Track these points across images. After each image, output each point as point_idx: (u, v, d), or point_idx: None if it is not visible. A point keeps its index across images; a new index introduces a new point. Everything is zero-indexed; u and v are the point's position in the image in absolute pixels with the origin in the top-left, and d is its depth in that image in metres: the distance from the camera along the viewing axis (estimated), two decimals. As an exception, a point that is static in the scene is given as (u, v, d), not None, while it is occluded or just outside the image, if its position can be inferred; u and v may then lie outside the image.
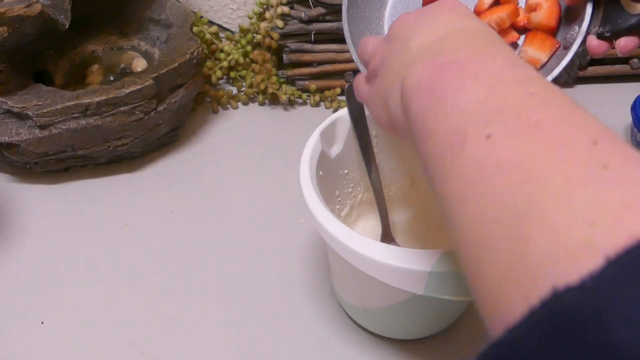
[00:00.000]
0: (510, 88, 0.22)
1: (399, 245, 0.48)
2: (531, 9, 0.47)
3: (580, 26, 0.42)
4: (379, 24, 0.50)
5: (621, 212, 0.16)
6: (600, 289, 0.15)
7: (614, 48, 0.42)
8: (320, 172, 0.44)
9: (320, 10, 0.68)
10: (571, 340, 0.15)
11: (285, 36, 0.71)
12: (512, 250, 0.18)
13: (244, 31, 0.72)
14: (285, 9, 0.69)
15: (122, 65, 0.70)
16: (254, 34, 0.72)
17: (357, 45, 0.41)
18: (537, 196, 0.18)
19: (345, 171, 0.49)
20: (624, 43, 0.41)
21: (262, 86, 0.70)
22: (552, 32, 0.47)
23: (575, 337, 0.15)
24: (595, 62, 0.73)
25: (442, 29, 0.29)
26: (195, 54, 0.63)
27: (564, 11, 0.46)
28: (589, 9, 0.42)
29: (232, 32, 0.78)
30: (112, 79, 0.68)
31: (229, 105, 0.72)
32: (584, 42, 0.43)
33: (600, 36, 0.42)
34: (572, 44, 0.43)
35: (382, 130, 0.49)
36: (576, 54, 0.43)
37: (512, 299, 0.18)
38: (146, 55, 0.71)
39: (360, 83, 0.38)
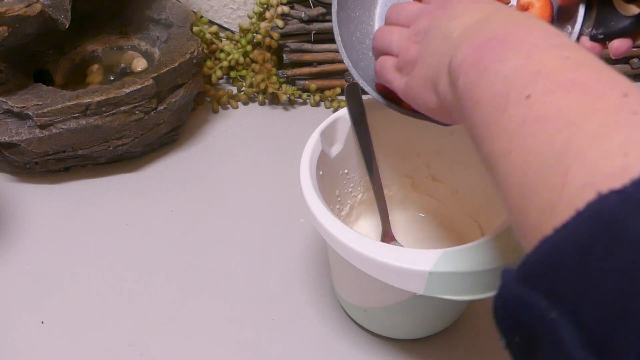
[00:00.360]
0: (547, 54, 0.24)
1: (399, 245, 0.48)
2: (523, 8, 0.47)
3: (573, 27, 0.42)
4: (370, 24, 0.50)
5: None
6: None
7: (606, 49, 0.42)
8: (321, 172, 0.44)
9: (320, 10, 0.68)
10: (614, 233, 0.17)
11: (285, 36, 0.71)
12: (553, 183, 0.20)
13: (244, 31, 0.72)
14: (286, 8, 0.69)
15: (122, 65, 0.70)
16: (254, 34, 0.72)
17: (374, 37, 0.41)
18: (574, 138, 0.20)
19: (346, 171, 0.49)
20: (617, 45, 0.41)
21: (262, 86, 0.70)
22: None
23: (618, 230, 0.17)
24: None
25: (475, 15, 0.31)
26: (195, 53, 0.63)
27: (557, 11, 0.46)
28: (581, 10, 0.42)
29: (232, 32, 0.78)
30: (112, 78, 0.68)
31: (229, 105, 0.72)
32: (577, 43, 0.43)
33: (593, 38, 0.41)
34: None
35: (382, 128, 0.49)
36: None
37: (555, 217, 0.19)
38: (146, 55, 0.71)
39: (390, 73, 0.39)
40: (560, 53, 0.24)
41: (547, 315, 0.18)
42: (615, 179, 0.18)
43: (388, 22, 0.40)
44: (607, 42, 0.41)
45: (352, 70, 0.45)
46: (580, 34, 0.42)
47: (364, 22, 0.50)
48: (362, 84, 0.44)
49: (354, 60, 0.46)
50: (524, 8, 0.47)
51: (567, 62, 0.23)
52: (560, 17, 0.46)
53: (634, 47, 0.76)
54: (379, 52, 0.40)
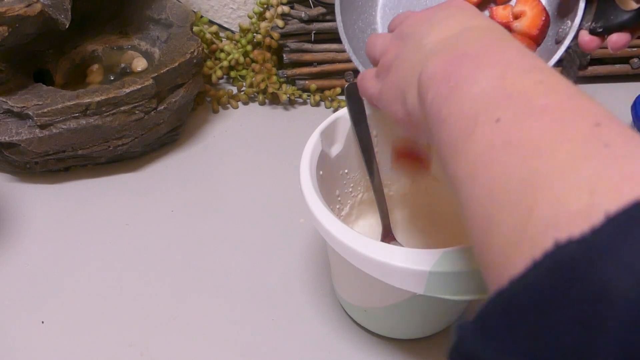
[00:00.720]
0: (520, 77, 0.23)
1: (399, 245, 0.48)
2: (515, 16, 0.47)
3: (573, 21, 0.42)
4: (372, 14, 0.50)
5: (620, 182, 0.17)
6: (600, 239, 0.16)
7: (605, 41, 0.42)
8: (321, 172, 0.44)
9: (320, 9, 0.68)
10: (571, 285, 0.16)
11: (285, 36, 0.71)
12: (517, 217, 0.19)
13: (244, 31, 0.72)
14: (286, 8, 0.69)
15: (122, 65, 0.70)
16: (254, 34, 0.72)
17: (366, 41, 0.41)
18: (541, 170, 0.19)
19: (346, 171, 0.49)
20: (616, 39, 0.41)
21: (262, 86, 0.70)
22: (535, 39, 0.47)
23: (575, 282, 0.16)
24: (596, 61, 0.73)
25: (454, 26, 0.30)
26: (195, 53, 0.63)
27: (557, 5, 0.46)
28: (582, 3, 0.42)
29: (233, 32, 0.78)
30: (112, 78, 0.68)
31: (229, 105, 0.72)
32: (576, 37, 0.43)
33: (592, 32, 0.42)
34: (564, 38, 0.43)
35: (382, 128, 0.49)
36: (569, 48, 0.43)
37: (516, 259, 0.19)
38: (146, 54, 0.71)
39: (368, 80, 0.38)
40: (534, 76, 0.23)
41: None
42: (577, 221, 0.17)
43: (388, 28, 0.40)
44: (606, 36, 0.41)
45: (353, 57, 0.45)
46: (580, 27, 0.42)
47: (366, 12, 0.50)
48: (362, 69, 0.44)
49: (354, 48, 0.46)
50: (516, 16, 0.47)
51: (540, 86, 0.23)
52: (560, 11, 0.46)
53: (634, 46, 0.76)
54: (369, 59, 0.40)
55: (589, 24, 0.42)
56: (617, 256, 0.16)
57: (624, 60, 0.73)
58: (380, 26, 0.50)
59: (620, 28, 0.40)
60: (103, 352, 0.46)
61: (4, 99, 0.56)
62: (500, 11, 0.48)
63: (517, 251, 0.19)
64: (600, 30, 0.41)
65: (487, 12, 0.50)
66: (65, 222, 0.58)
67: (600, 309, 0.15)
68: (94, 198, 0.60)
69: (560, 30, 0.45)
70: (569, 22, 0.43)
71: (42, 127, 0.56)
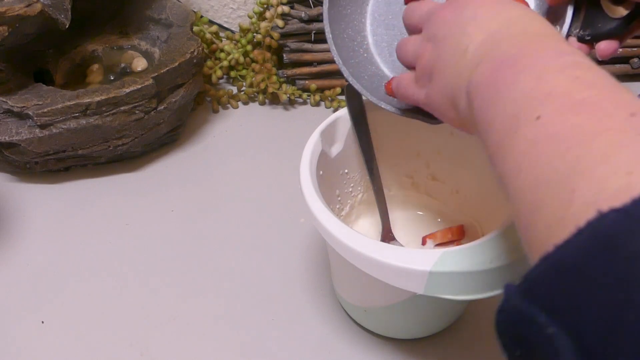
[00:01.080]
0: (557, 75, 0.25)
1: (399, 245, 0.48)
2: None
3: (561, 28, 0.42)
4: (361, 22, 0.50)
5: None
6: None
7: (593, 49, 0.42)
8: (321, 172, 0.44)
9: (320, 9, 0.68)
10: (613, 248, 0.18)
11: (285, 36, 0.71)
12: (560, 199, 0.21)
13: (244, 31, 0.72)
14: (286, 8, 0.69)
15: (123, 65, 0.70)
16: (254, 34, 0.72)
17: (397, 47, 0.40)
18: (582, 157, 0.21)
19: (346, 171, 0.49)
20: (604, 47, 0.41)
21: (262, 86, 0.70)
22: None
23: (617, 245, 0.18)
24: (595, 62, 0.73)
25: (489, 23, 0.31)
26: (195, 53, 0.63)
27: (546, 12, 0.46)
28: (569, 11, 0.42)
29: (233, 32, 0.78)
30: (112, 78, 0.68)
31: (229, 105, 0.72)
32: None
33: (580, 39, 0.41)
34: None
35: (382, 128, 0.49)
36: None
37: (560, 231, 0.20)
38: (146, 54, 0.71)
39: (409, 86, 0.38)
40: (571, 73, 0.24)
41: (546, 330, 0.19)
42: (617, 197, 0.18)
43: (404, 23, 0.40)
44: (594, 44, 0.41)
45: (342, 68, 0.45)
46: (568, 34, 0.42)
47: (355, 20, 0.50)
48: (352, 81, 0.44)
49: (344, 58, 0.46)
50: None
51: (577, 82, 0.24)
52: (549, 18, 0.46)
53: (634, 46, 0.76)
54: (403, 65, 0.40)
55: (577, 31, 0.42)
56: None
57: (624, 60, 0.73)
58: (370, 34, 0.50)
59: (608, 35, 0.40)
60: (103, 352, 0.46)
61: (4, 99, 0.56)
62: None
63: (561, 226, 0.20)
64: (589, 37, 0.41)
65: None
66: (65, 222, 0.58)
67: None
68: (94, 198, 0.60)
69: None
70: (558, 28, 0.43)
71: (42, 127, 0.56)
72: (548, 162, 0.22)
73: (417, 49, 0.36)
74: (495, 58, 0.28)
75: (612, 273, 0.17)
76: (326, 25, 0.47)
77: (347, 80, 0.45)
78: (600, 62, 0.76)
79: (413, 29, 0.38)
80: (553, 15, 0.45)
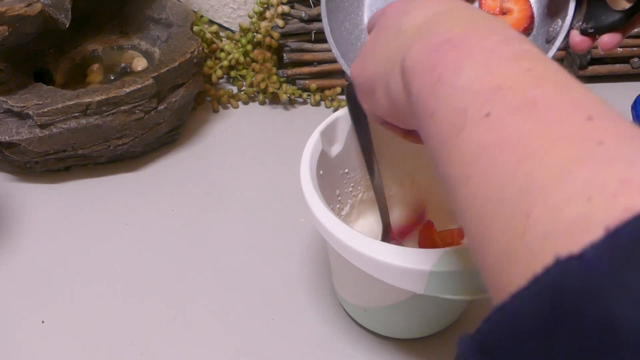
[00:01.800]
0: (507, 65, 0.23)
1: (400, 245, 0.48)
2: (502, 11, 0.47)
3: (563, 21, 0.42)
4: (359, 14, 0.50)
5: (617, 187, 0.17)
6: (601, 260, 0.16)
7: (596, 42, 0.41)
8: (321, 172, 0.44)
9: (320, 9, 0.68)
10: (573, 314, 0.16)
11: (285, 35, 0.71)
12: (513, 226, 0.19)
13: (244, 30, 0.72)
14: (286, 8, 0.69)
15: (123, 65, 0.70)
16: (255, 33, 0.72)
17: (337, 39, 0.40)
18: (535, 174, 0.19)
19: (346, 170, 0.49)
20: (607, 40, 0.40)
21: (262, 85, 0.70)
22: None
23: (578, 310, 0.15)
24: (596, 61, 0.73)
25: (432, 9, 0.29)
26: (195, 53, 0.63)
27: (548, 4, 0.46)
28: (572, 3, 0.41)
29: (233, 32, 0.77)
30: (112, 78, 0.68)
31: (229, 105, 0.72)
32: (567, 37, 0.42)
33: (583, 32, 0.41)
34: (555, 38, 0.43)
35: (383, 127, 0.49)
36: (559, 49, 0.42)
37: (515, 270, 0.18)
38: (146, 54, 0.71)
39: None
40: (522, 64, 0.23)
41: None
42: (575, 232, 0.17)
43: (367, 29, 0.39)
44: (596, 37, 0.41)
45: (340, 60, 0.45)
46: (571, 27, 0.42)
47: (353, 12, 0.50)
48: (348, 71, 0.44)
49: (342, 52, 0.46)
50: (502, 12, 0.47)
51: (528, 75, 0.22)
52: (550, 10, 0.46)
53: (634, 46, 0.76)
54: None
55: (580, 24, 0.41)
56: (621, 283, 0.15)
57: (624, 59, 0.73)
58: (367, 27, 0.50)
59: (610, 28, 0.40)
60: (103, 351, 0.46)
61: (4, 99, 0.56)
62: (490, 2, 0.48)
63: (516, 260, 0.18)
64: (592, 30, 0.41)
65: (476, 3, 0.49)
66: (65, 222, 0.58)
67: (606, 340, 0.15)
68: (94, 198, 0.60)
69: (550, 29, 0.44)
70: (560, 21, 0.43)
71: (42, 126, 0.56)
72: (499, 173, 0.20)
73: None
74: (437, 35, 0.26)
75: (576, 341, 0.15)
76: (324, 18, 0.47)
77: (345, 73, 0.45)
78: (602, 61, 0.76)
79: (370, 30, 0.38)
80: (554, 8, 0.45)
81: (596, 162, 0.18)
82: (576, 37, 0.42)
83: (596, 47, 0.42)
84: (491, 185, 0.20)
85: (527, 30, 0.46)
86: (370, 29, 0.38)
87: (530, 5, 0.46)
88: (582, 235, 0.16)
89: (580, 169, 0.18)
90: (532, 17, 0.46)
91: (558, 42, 0.42)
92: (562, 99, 0.21)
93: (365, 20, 0.50)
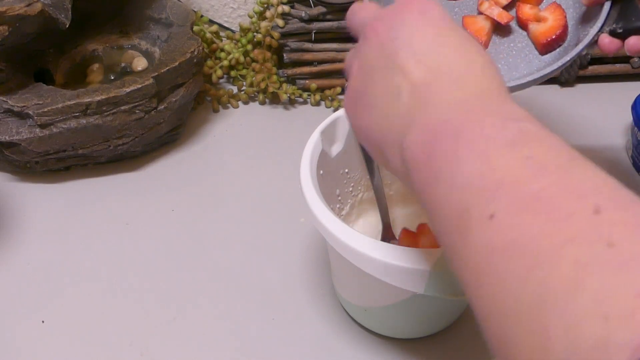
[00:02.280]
0: (506, 154, 0.22)
1: (400, 244, 0.48)
2: (537, 19, 0.47)
3: (593, 25, 0.42)
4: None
5: (632, 302, 0.16)
6: None
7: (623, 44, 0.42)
8: (321, 171, 0.44)
9: (320, 9, 0.68)
10: None
11: (285, 35, 0.71)
12: (535, 342, 0.18)
13: (244, 30, 0.72)
14: (286, 8, 0.69)
15: (123, 65, 0.70)
16: (255, 33, 0.71)
17: (347, 14, 0.38)
18: (547, 284, 0.18)
19: (346, 170, 0.49)
20: (634, 42, 0.40)
21: (262, 85, 0.70)
22: (541, 46, 0.46)
23: None
24: (596, 61, 0.73)
25: (425, 57, 0.28)
26: (195, 53, 0.63)
27: (582, 14, 0.46)
28: (606, 7, 0.42)
29: (233, 31, 0.77)
30: (112, 78, 0.68)
31: (229, 105, 0.72)
32: (595, 40, 0.43)
33: (612, 33, 0.41)
34: (584, 37, 0.43)
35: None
36: (582, 51, 0.43)
37: None
38: (147, 54, 0.71)
39: (350, 56, 0.34)
40: (521, 151, 0.22)
41: None
42: (595, 356, 0.16)
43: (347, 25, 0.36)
44: (624, 39, 0.41)
45: None
46: (601, 31, 0.42)
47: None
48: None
49: None
50: (537, 19, 0.47)
51: (529, 166, 0.21)
52: (584, 18, 0.46)
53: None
54: (350, 30, 0.36)
55: (611, 25, 0.42)
56: None
57: (625, 59, 0.73)
58: None
59: (639, 31, 0.40)
60: (103, 351, 0.46)
61: (5, 99, 0.56)
62: (527, 9, 0.48)
63: None
64: (620, 30, 0.41)
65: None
66: (65, 222, 0.58)
67: None
68: (94, 197, 0.60)
69: (581, 35, 0.44)
70: (590, 28, 0.43)
71: (43, 126, 0.56)
72: (512, 284, 0.19)
73: (352, 53, 0.33)
74: (431, 123, 0.25)
75: None
76: None
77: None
78: (602, 61, 0.76)
79: (353, 34, 0.35)
80: (587, 17, 0.45)
81: (607, 269, 0.17)
82: (605, 38, 0.42)
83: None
84: (505, 298, 0.20)
85: (559, 39, 0.46)
86: (353, 29, 0.35)
87: (565, 16, 0.46)
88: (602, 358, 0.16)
89: (592, 278, 0.17)
90: (565, 26, 0.46)
91: (585, 41, 0.42)
92: (566, 190, 0.20)
93: None
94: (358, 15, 0.34)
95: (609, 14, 0.42)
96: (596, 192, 0.20)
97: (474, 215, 0.21)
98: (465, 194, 0.22)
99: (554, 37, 0.45)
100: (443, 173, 0.23)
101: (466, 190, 0.22)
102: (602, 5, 0.42)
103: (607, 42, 0.42)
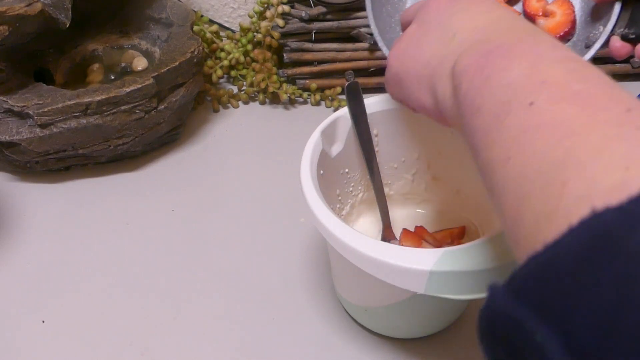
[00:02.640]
0: (553, 65, 0.24)
1: (400, 244, 0.48)
2: (545, 13, 0.47)
3: (605, 26, 0.42)
4: (402, 0, 0.51)
5: None
6: (638, 207, 0.17)
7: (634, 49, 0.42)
8: (321, 171, 0.44)
9: (320, 9, 0.68)
10: (611, 247, 0.16)
11: (285, 35, 0.71)
12: (550, 191, 0.20)
13: (244, 30, 0.72)
14: (286, 7, 0.69)
15: (123, 64, 0.70)
16: (255, 33, 0.72)
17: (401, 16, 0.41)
18: (574, 149, 0.20)
19: (346, 170, 0.49)
20: None
21: (262, 85, 0.70)
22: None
23: (615, 244, 0.16)
24: (596, 60, 0.73)
25: (479, 16, 0.30)
26: (195, 52, 0.63)
27: (591, 10, 0.46)
28: (616, 8, 0.41)
29: (233, 31, 0.77)
30: (112, 77, 0.68)
31: (229, 104, 0.72)
32: (606, 42, 0.42)
33: (624, 37, 0.41)
34: (594, 42, 0.43)
35: (383, 127, 0.49)
36: (598, 50, 0.43)
37: (550, 228, 0.19)
38: (147, 54, 0.71)
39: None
40: (567, 65, 0.24)
41: (535, 330, 0.18)
42: (613, 194, 0.17)
43: (401, 25, 0.40)
44: (635, 44, 0.41)
45: (378, 37, 0.45)
46: (612, 33, 0.42)
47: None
48: (386, 51, 0.44)
49: (380, 29, 0.46)
50: (545, 13, 0.47)
51: (572, 74, 0.23)
52: (593, 17, 0.46)
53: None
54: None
55: (622, 30, 0.41)
56: None
57: (625, 59, 0.73)
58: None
59: None
60: (103, 351, 0.46)
61: (5, 98, 0.56)
62: (534, 3, 0.48)
63: (550, 221, 0.19)
64: (632, 36, 0.41)
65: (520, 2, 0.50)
66: (65, 222, 0.58)
67: None
68: (94, 197, 0.60)
69: (591, 35, 0.44)
70: (601, 27, 0.43)
71: (43, 126, 0.56)
72: (539, 150, 0.21)
73: (411, 20, 0.37)
74: (488, 44, 0.27)
75: (610, 274, 0.16)
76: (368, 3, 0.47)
77: (381, 50, 0.45)
78: (603, 60, 0.75)
79: (403, 23, 0.39)
80: (597, 14, 0.45)
81: (634, 141, 0.19)
82: (616, 42, 0.42)
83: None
84: (530, 161, 0.21)
85: (568, 35, 0.46)
86: (405, 21, 0.38)
87: (574, 11, 0.46)
88: (620, 194, 0.17)
89: (619, 145, 0.19)
90: (574, 22, 0.46)
91: (597, 45, 0.42)
92: (604, 93, 0.22)
93: (408, 3, 0.51)
94: (412, 8, 0.37)
95: (619, 16, 0.41)
96: (630, 101, 0.21)
97: (514, 104, 0.23)
98: (509, 90, 0.24)
99: (562, 33, 0.45)
100: (492, 77, 0.25)
101: (511, 86, 0.24)
102: (612, 4, 0.42)
103: (619, 46, 0.42)
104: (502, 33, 0.28)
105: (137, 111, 0.59)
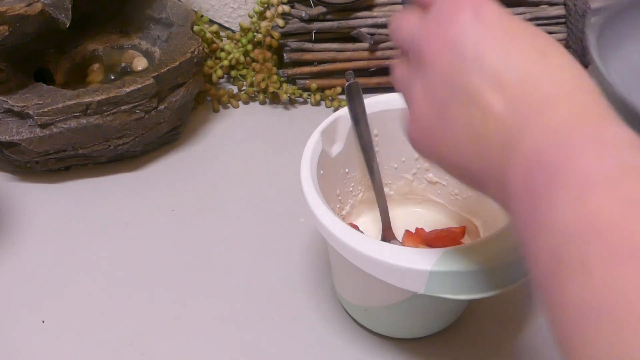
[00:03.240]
0: (603, 193, 0.20)
1: (400, 244, 0.48)
2: None
3: None
4: None
5: None
6: None
7: None
8: (321, 171, 0.44)
9: (321, 9, 0.68)
10: None
11: (285, 35, 0.71)
12: None
13: (244, 30, 0.72)
14: (286, 7, 0.69)
15: (123, 64, 0.70)
16: (255, 33, 0.72)
17: (391, 26, 0.34)
18: (632, 347, 0.17)
19: (346, 170, 0.49)
20: None
21: (262, 85, 0.70)
22: None
23: None
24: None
25: (501, 74, 0.25)
26: (195, 52, 0.63)
27: None
28: None
29: (233, 31, 0.77)
30: (112, 77, 0.68)
31: (229, 104, 0.72)
32: None
33: None
34: None
35: (383, 127, 0.49)
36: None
37: None
38: (147, 54, 0.71)
39: (399, 71, 0.32)
40: (619, 191, 0.20)
41: None
42: None
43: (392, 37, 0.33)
44: None
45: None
46: None
47: None
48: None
49: None
50: None
51: (626, 208, 0.20)
52: None
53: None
54: (397, 43, 0.33)
55: None
56: None
57: (625, 59, 0.73)
58: None
59: None
60: (103, 351, 0.46)
61: (5, 98, 0.56)
62: None
63: None
64: None
65: None
66: (65, 222, 0.58)
67: None
68: (94, 197, 0.60)
69: None
70: None
71: (43, 126, 0.56)
72: (604, 351, 0.18)
73: (405, 73, 0.31)
74: (528, 154, 0.23)
75: None
76: None
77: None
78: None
79: (403, 51, 0.32)
80: None
81: None
82: None
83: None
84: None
85: None
86: (401, 41, 0.31)
87: None
88: None
89: None
90: None
91: None
92: None
93: None
94: (404, 31, 0.31)
95: None
96: None
97: (565, 264, 0.20)
98: (556, 237, 0.21)
99: None
100: (537, 210, 0.22)
101: (558, 232, 0.21)
102: None
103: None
104: (542, 122, 0.23)
105: (137, 111, 0.59)
